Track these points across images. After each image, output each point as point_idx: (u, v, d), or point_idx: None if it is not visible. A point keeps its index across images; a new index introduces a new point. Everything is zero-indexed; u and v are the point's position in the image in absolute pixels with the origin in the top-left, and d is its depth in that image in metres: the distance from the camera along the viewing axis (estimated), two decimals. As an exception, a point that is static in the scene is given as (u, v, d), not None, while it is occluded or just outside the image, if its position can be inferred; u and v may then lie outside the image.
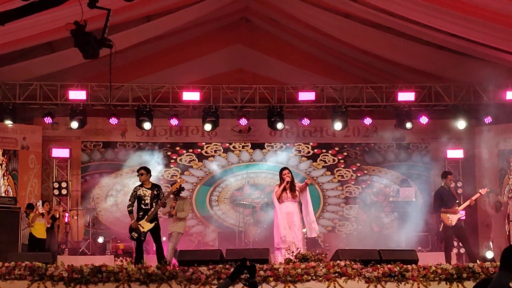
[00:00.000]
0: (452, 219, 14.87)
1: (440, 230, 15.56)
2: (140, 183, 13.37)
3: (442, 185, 15.52)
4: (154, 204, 13.15)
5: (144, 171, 13.42)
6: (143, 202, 13.14)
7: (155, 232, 13.17)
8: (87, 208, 18.92)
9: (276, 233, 13.49)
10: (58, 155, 19.02)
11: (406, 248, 16.16)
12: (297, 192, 13.48)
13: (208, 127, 18.54)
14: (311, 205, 13.79)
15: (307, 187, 13.78)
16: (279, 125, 18.58)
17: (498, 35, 14.54)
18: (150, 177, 13.54)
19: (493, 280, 5.09)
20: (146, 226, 13.05)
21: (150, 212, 13.07)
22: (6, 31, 12.30)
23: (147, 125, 18.43)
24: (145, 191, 13.21)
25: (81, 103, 18.16)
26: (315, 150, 20.15)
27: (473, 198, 15.24)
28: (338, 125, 18.64)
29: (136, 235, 13.05)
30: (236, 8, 18.10)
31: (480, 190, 15.41)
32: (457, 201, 15.46)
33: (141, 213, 13.12)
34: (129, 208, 13.21)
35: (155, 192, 13.24)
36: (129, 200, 13.29)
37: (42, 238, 16.37)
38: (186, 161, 19.91)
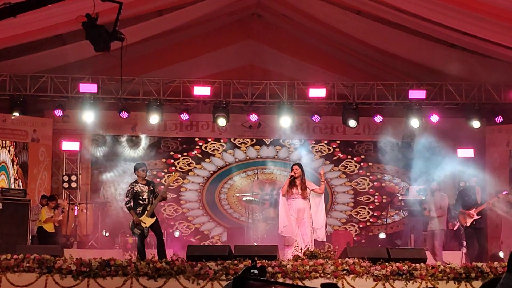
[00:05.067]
0: (467, 220, 15.16)
1: (455, 229, 15.86)
2: (135, 180, 13.40)
3: (466, 185, 15.88)
4: (151, 199, 13.18)
5: (146, 168, 13.52)
6: (140, 198, 13.12)
7: (156, 226, 13.23)
8: (97, 201, 18.93)
9: (280, 222, 13.54)
10: (68, 148, 19.02)
11: (415, 247, 16.14)
12: (308, 190, 13.45)
13: (222, 122, 18.54)
14: (323, 211, 13.80)
15: (323, 195, 13.78)
16: (287, 121, 18.54)
17: (510, 34, 14.47)
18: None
19: (500, 282, 5.05)
20: (148, 221, 13.06)
21: (150, 207, 13.11)
22: (18, 23, 12.34)
23: (157, 119, 18.41)
24: (142, 187, 13.18)
25: (92, 96, 18.16)
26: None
27: (491, 201, 15.41)
28: (352, 123, 18.57)
29: (138, 231, 13.05)
30: (247, 3, 18.09)
31: (498, 194, 15.52)
32: (474, 205, 15.60)
33: (139, 209, 13.10)
34: (128, 205, 13.11)
35: (151, 188, 13.28)
36: (127, 197, 13.22)
37: (52, 232, 16.40)
38: (195, 156, 19.95)
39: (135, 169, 13.47)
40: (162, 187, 15.94)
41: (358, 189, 20.19)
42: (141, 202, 13.13)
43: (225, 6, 17.28)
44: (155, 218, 13.22)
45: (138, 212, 13.09)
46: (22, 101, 17.99)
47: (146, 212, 13.06)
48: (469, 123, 18.49)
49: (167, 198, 13.98)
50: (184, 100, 18.74)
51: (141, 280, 11.29)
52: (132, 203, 13.12)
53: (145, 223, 13.03)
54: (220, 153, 20.07)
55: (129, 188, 13.32)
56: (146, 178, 13.45)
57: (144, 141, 19.37)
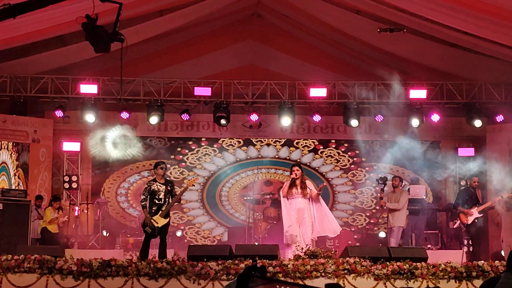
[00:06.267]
0: (469, 218, 15.60)
1: (454, 227, 16.14)
2: (153, 178, 13.39)
3: (468, 185, 16.46)
4: (167, 199, 13.14)
5: (165, 165, 13.50)
6: (157, 197, 13.08)
7: (165, 228, 13.19)
8: (97, 202, 18.92)
9: (284, 222, 13.54)
10: (68, 149, 19.01)
11: (416, 246, 16.16)
12: (308, 190, 13.45)
13: (223, 122, 18.54)
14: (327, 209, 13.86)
15: (320, 196, 13.76)
16: (288, 121, 18.56)
17: (510, 34, 14.46)
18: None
19: (500, 281, 5.06)
20: (160, 221, 13.01)
21: (165, 207, 13.07)
22: (18, 24, 12.36)
23: (156, 120, 18.40)
24: (160, 186, 13.14)
25: (93, 97, 18.16)
26: (325, 147, 20.20)
27: (495, 200, 15.60)
28: (353, 122, 18.58)
29: (150, 230, 13.01)
30: (247, 3, 18.07)
31: (502, 194, 15.62)
32: (476, 204, 15.93)
33: (154, 208, 13.07)
34: (143, 203, 13.12)
35: (169, 188, 13.21)
36: (143, 194, 13.21)
37: (56, 232, 16.42)
38: (197, 156, 19.95)
39: (154, 167, 13.51)
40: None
41: (358, 188, 20.18)
42: (156, 202, 13.09)
43: (225, 6, 17.28)
44: (168, 219, 13.20)
45: (152, 211, 13.06)
46: (23, 102, 18.04)
47: (161, 212, 13.03)
48: (470, 122, 18.51)
49: (180, 201, 14.03)
50: (184, 101, 18.74)
51: (142, 280, 11.28)
52: (147, 202, 13.11)
53: (157, 223, 12.99)
54: (220, 153, 20.08)
55: (146, 186, 13.28)
56: (165, 177, 13.45)
57: (143, 141, 19.36)
